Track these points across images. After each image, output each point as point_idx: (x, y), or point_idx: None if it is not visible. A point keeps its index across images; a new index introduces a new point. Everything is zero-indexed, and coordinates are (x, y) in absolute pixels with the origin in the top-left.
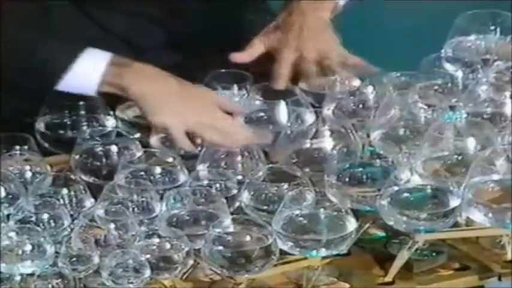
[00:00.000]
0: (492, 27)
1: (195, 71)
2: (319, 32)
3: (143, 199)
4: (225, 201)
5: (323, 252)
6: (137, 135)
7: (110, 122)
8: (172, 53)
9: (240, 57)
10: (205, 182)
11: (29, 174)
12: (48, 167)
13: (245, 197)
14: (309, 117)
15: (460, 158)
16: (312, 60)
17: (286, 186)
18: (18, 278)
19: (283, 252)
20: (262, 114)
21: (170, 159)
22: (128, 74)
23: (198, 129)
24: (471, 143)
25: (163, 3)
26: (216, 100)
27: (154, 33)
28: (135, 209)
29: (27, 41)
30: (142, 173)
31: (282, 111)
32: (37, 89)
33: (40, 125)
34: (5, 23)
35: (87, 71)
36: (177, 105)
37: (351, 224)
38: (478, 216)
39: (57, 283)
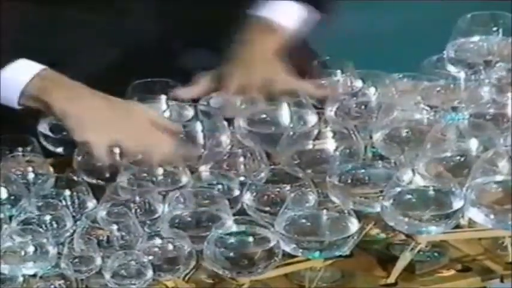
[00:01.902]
0: (494, 29)
1: (189, 69)
2: (267, 63)
3: (145, 200)
4: (227, 202)
5: (325, 253)
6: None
7: None
8: (165, 50)
9: (185, 93)
10: (208, 184)
11: (31, 176)
12: (51, 169)
13: (247, 198)
14: (311, 119)
15: (462, 159)
16: (255, 88)
17: (288, 187)
18: (20, 279)
19: (285, 254)
20: (264, 115)
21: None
22: (52, 90)
23: (121, 144)
24: (473, 144)
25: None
26: (147, 117)
27: (143, 32)
28: (138, 210)
29: None
30: (144, 174)
31: (285, 112)
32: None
33: (43, 127)
34: None
35: (10, 83)
36: (100, 121)
37: (353, 225)
38: (480, 217)
39: (59, 284)
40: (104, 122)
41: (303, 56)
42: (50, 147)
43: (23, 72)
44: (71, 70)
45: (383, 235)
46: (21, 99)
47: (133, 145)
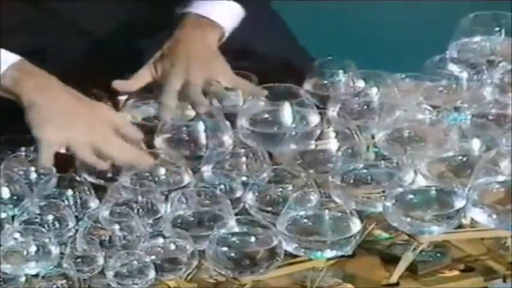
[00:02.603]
0: (497, 29)
1: None
2: (207, 59)
3: (148, 200)
4: (229, 202)
5: (328, 253)
6: (142, 136)
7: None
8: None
9: (124, 85)
10: (210, 183)
11: (34, 176)
12: (53, 168)
13: (250, 198)
14: (314, 119)
15: (464, 159)
16: (198, 87)
17: (290, 187)
18: (23, 278)
19: (287, 254)
20: (267, 115)
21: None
22: (24, 82)
23: (72, 146)
24: (476, 145)
25: None
26: (110, 120)
27: (117, 25)
28: (140, 210)
29: None
30: (147, 174)
31: (287, 112)
32: None
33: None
34: None
35: None
36: (59, 120)
37: (356, 225)
38: (482, 217)
39: (62, 284)
40: (64, 119)
41: (293, 56)
42: None
43: None
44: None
45: (386, 235)
46: None
47: (85, 149)
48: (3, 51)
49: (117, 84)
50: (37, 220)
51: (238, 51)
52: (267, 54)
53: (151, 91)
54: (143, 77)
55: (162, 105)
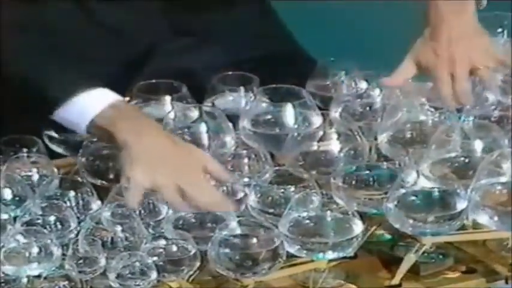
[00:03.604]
0: (499, 30)
1: (203, 66)
2: (469, 42)
3: (150, 201)
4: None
5: (330, 254)
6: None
7: None
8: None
9: (392, 82)
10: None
11: (36, 177)
12: (55, 170)
13: (252, 199)
14: (316, 120)
15: (467, 160)
16: (466, 75)
17: (292, 188)
18: (25, 280)
19: (289, 255)
20: (269, 116)
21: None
22: (119, 120)
23: (158, 187)
24: (478, 146)
25: None
26: (202, 164)
27: (157, 28)
28: (142, 212)
29: (31, 62)
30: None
31: (289, 113)
32: (35, 113)
33: (48, 128)
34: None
35: (83, 110)
36: (149, 161)
37: (358, 226)
38: (484, 219)
39: (64, 285)
40: (153, 161)
41: (295, 58)
42: (55, 149)
43: (97, 100)
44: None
45: (388, 236)
46: (89, 127)
47: (170, 190)
48: (104, 90)
49: (386, 81)
50: (39, 221)
51: (240, 52)
52: (268, 56)
53: (152, 92)
54: (408, 69)
55: (443, 97)
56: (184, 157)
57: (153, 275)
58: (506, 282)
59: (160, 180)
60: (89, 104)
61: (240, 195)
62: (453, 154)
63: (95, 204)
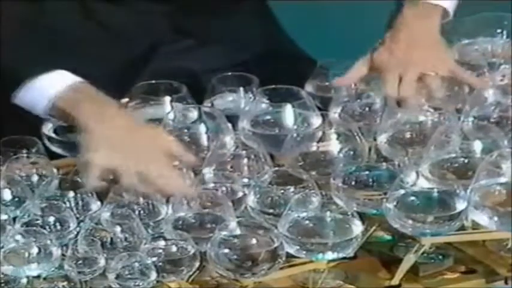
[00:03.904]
0: (498, 30)
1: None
2: (426, 49)
3: (149, 202)
4: (231, 204)
5: (329, 255)
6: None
7: None
8: (178, 48)
9: (343, 81)
10: (211, 185)
11: (35, 177)
12: (55, 170)
13: (251, 200)
14: (316, 120)
15: (466, 161)
16: (411, 82)
17: (292, 189)
18: (24, 280)
19: (289, 255)
20: (268, 117)
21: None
22: (80, 103)
23: (119, 172)
24: (477, 146)
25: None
26: (165, 147)
27: (158, 29)
28: (141, 212)
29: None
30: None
31: (289, 114)
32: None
33: (47, 128)
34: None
35: (42, 92)
36: (110, 145)
37: (357, 227)
38: (484, 219)
39: (63, 286)
40: (115, 145)
41: (294, 58)
42: (54, 149)
43: (56, 83)
44: (73, 71)
45: (388, 237)
46: (49, 109)
47: (131, 175)
48: (63, 73)
49: (337, 81)
50: (38, 222)
51: (240, 53)
52: (268, 56)
53: (152, 92)
54: (361, 68)
55: (386, 94)
56: (146, 140)
57: (153, 275)
58: (506, 283)
59: (120, 162)
60: (49, 86)
61: (239, 194)
62: (452, 155)
63: (95, 205)
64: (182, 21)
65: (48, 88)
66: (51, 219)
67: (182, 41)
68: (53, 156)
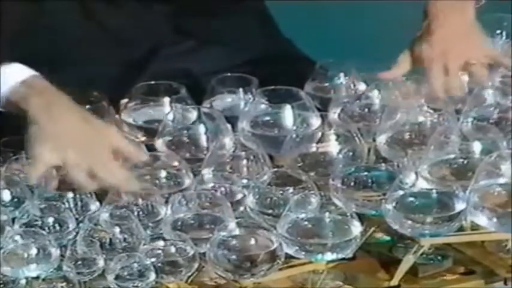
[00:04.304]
0: (498, 31)
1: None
2: (464, 38)
3: (148, 203)
4: (230, 205)
5: (328, 256)
6: (143, 138)
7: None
8: (178, 49)
9: (389, 75)
10: (210, 186)
11: None
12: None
13: (250, 200)
14: (315, 121)
15: (465, 162)
16: (456, 74)
17: (291, 190)
18: (23, 281)
19: (288, 256)
20: (268, 118)
21: (175, 163)
22: (31, 99)
23: (65, 166)
24: (477, 147)
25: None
26: (113, 143)
27: (158, 31)
28: (140, 213)
29: None
30: (147, 176)
31: (288, 115)
32: None
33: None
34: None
35: None
36: (57, 140)
37: (356, 228)
38: (483, 220)
39: (62, 286)
40: (62, 139)
41: (294, 59)
42: None
43: (10, 76)
44: (73, 71)
45: (387, 238)
46: (3, 103)
47: (77, 170)
48: (18, 66)
49: (384, 74)
50: (37, 222)
51: (239, 54)
52: (267, 57)
53: (151, 93)
54: (404, 63)
55: (431, 90)
56: (94, 136)
57: (152, 276)
58: (505, 284)
59: (68, 158)
60: (2, 80)
61: (238, 195)
62: (452, 155)
63: (94, 206)
64: (182, 22)
65: (2, 82)
66: (50, 220)
67: (182, 43)
68: None
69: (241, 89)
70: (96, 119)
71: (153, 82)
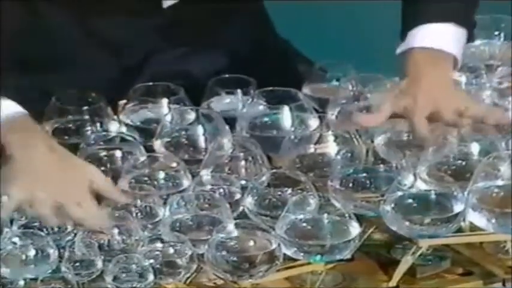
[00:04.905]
0: (496, 33)
1: (200, 69)
2: (448, 88)
3: (146, 204)
4: (228, 206)
5: (327, 257)
6: (141, 140)
7: (114, 127)
8: (177, 51)
9: (367, 120)
10: (209, 187)
11: None
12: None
13: (248, 202)
14: (313, 122)
15: (464, 163)
16: (450, 119)
17: (289, 191)
18: (21, 282)
19: (286, 257)
20: (266, 119)
21: (174, 164)
22: (9, 136)
23: (33, 204)
24: (475, 148)
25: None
26: (90, 182)
27: (158, 33)
28: (139, 214)
29: None
30: (145, 177)
31: (286, 116)
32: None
33: (44, 130)
34: None
35: None
36: (27, 177)
37: (355, 229)
38: (481, 221)
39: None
40: (32, 177)
41: (292, 60)
42: None
43: None
44: (75, 74)
45: (384, 239)
46: None
47: (45, 207)
48: (4, 102)
49: (361, 119)
50: (36, 224)
51: (237, 55)
52: (265, 58)
53: (150, 94)
54: (387, 109)
55: (415, 134)
56: (69, 173)
57: (150, 277)
58: (504, 285)
59: (37, 194)
60: None
61: (237, 196)
62: (450, 157)
63: None
64: (182, 24)
65: None
66: None
67: (181, 44)
68: None
69: (239, 90)
70: (77, 159)
71: (151, 83)
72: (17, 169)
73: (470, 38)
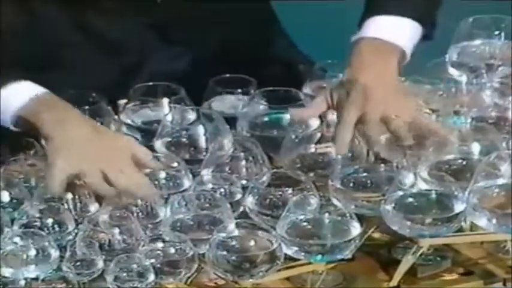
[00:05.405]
0: (496, 32)
1: (200, 68)
2: (386, 91)
3: (147, 204)
4: (229, 205)
5: (327, 257)
6: (142, 140)
7: (115, 127)
8: (176, 50)
9: (300, 114)
10: (210, 187)
11: (33, 179)
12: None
13: (249, 201)
14: (313, 122)
15: (464, 163)
16: (375, 123)
17: (290, 191)
18: (22, 282)
19: (287, 257)
20: (266, 119)
21: (175, 164)
22: (43, 113)
23: (82, 173)
24: (475, 148)
25: (157, 7)
26: (128, 151)
27: (147, 38)
28: (140, 214)
29: None
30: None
31: (287, 116)
32: None
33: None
34: None
35: (6, 104)
36: (72, 149)
37: (355, 228)
38: (482, 221)
39: (61, 287)
40: (76, 149)
41: (292, 60)
42: None
43: (19, 94)
44: (73, 74)
45: (385, 238)
46: (15, 121)
47: (94, 176)
48: (27, 84)
49: (293, 112)
50: (37, 223)
51: (237, 55)
52: (266, 58)
53: (150, 94)
54: (319, 105)
55: (337, 136)
56: (109, 145)
57: (151, 277)
58: (504, 284)
59: (84, 166)
60: (13, 98)
61: (237, 196)
62: (451, 156)
63: (93, 207)
64: (182, 25)
65: (12, 100)
66: (50, 221)
67: (174, 48)
68: None
69: (240, 90)
70: (110, 131)
71: (151, 83)
72: (58, 146)
73: (429, 36)
